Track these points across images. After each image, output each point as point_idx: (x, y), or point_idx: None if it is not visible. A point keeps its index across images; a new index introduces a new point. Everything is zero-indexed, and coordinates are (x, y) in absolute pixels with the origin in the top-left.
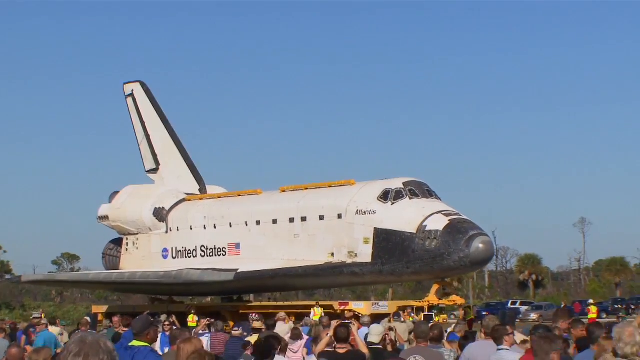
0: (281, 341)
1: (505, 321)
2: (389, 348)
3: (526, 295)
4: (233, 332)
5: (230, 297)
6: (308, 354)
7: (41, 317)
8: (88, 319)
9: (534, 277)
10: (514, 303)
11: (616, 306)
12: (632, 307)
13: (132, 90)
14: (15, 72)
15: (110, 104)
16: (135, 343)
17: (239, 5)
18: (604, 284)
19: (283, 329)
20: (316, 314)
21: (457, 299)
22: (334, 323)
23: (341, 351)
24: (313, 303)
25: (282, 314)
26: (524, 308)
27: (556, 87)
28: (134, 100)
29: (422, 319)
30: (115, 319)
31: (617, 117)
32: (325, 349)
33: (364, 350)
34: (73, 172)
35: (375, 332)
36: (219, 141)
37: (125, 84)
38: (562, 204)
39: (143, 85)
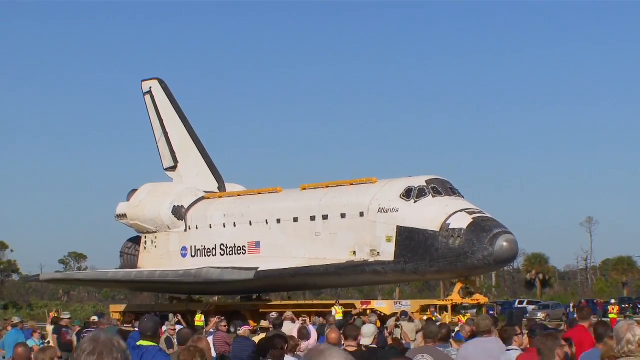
0: (288, 340)
1: (513, 321)
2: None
3: (533, 295)
4: (238, 331)
5: (249, 296)
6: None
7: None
8: (96, 318)
9: (540, 276)
10: (521, 302)
11: (623, 305)
12: (639, 306)
13: (150, 88)
14: (29, 69)
15: (127, 102)
16: (143, 342)
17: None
18: (611, 283)
19: (290, 328)
20: (337, 312)
21: (480, 298)
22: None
23: (351, 349)
24: (333, 302)
25: (289, 313)
26: (530, 307)
27: (563, 86)
28: (152, 97)
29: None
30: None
31: (623, 116)
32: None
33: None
34: (88, 171)
35: (367, 334)
36: (238, 139)
37: (143, 81)
38: (570, 203)
39: (161, 82)
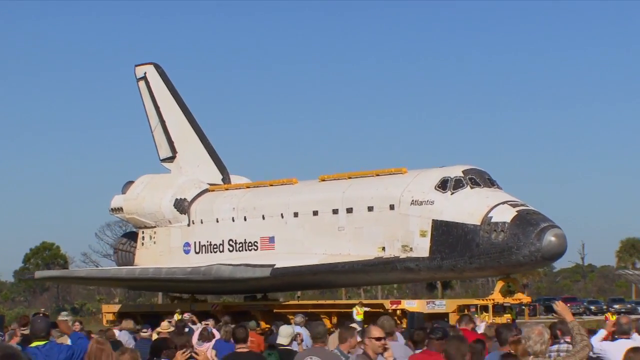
0: (170, 344)
1: (414, 324)
2: (299, 349)
3: (434, 296)
4: (142, 333)
5: (253, 296)
6: (217, 356)
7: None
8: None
9: None
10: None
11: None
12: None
13: (145, 73)
14: (13, 53)
15: (118, 88)
16: (36, 343)
17: None
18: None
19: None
20: (359, 313)
21: (522, 297)
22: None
23: (241, 351)
24: (356, 302)
25: (187, 315)
26: None
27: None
28: (147, 83)
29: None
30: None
31: None
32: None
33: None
34: (75, 162)
35: (284, 334)
36: (241, 128)
37: (137, 66)
38: None
39: (157, 67)
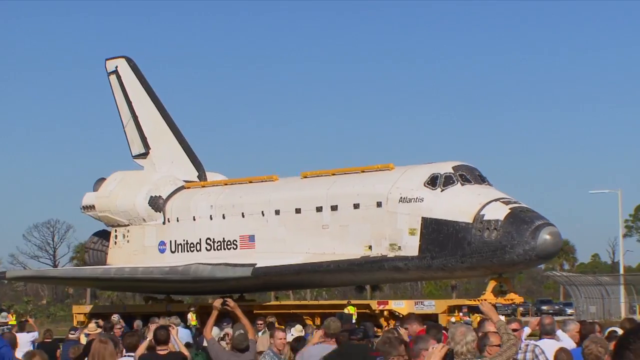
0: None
1: (343, 322)
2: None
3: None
4: (70, 335)
5: (230, 296)
6: None
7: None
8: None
9: None
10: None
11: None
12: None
13: (116, 67)
14: None
15: (87, 82)
16: None
17: None
18: (440, 286)
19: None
20: (350, 313)
21: (515, 297)
22: (152, 326)
23: (161, 353)
24: (344, 302)
25: (116, 316)
26: None
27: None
28: (119, 77)
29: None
30: None
31: None
32: (145, 352)
33: (184, 351)
34: (42, 158)
35: (213, 334)
36: (216, 124)
37: (107, 60)
38: None
39: (129, 61)
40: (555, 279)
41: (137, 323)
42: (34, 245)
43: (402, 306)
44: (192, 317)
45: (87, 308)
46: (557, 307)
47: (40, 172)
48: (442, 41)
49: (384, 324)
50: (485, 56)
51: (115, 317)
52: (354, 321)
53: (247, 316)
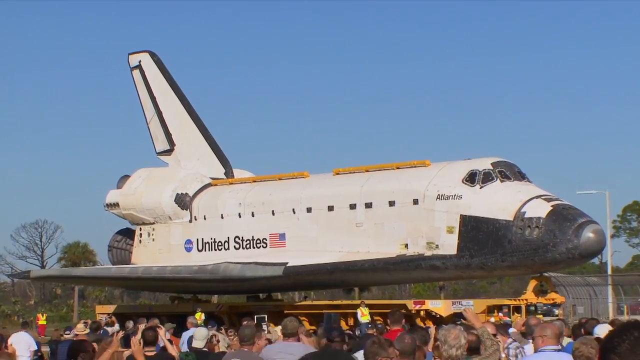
0: (87, 347)
1: (330, 325)
2: (216, 350)
3: (352, 298)
4: (65, 334)
5: (257, 296)
6: None
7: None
8: None
9: None
10: None
11: None
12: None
13: (140, 62)
14: (5, 47)
15: (109, 78)
16: None
17: None
18: (427, 286)
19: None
20: (363, 314)
21: (556, 297)
22: (140, 327)
23: (149, 354)
24: (358, 302)
25: (102, 318)
26: None
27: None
28: (142, 72)
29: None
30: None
31: None
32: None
33: (172, 352)
34: (64, 155)
35: (199, 337)
36: (243, 120)
37: (130, 54)
38: None
39: (153, 55)
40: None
41: (128, 323)
42: (21, 245)
43: (439, 306)
44: (199, 317)
45: (111, 308)
46: (545, 307)
47: (32, 171)
48: (468, 39)
49: (421, 324)
50: (480, 57)
51: (103, 318)
52: (366, 321)
53: (277, 316)
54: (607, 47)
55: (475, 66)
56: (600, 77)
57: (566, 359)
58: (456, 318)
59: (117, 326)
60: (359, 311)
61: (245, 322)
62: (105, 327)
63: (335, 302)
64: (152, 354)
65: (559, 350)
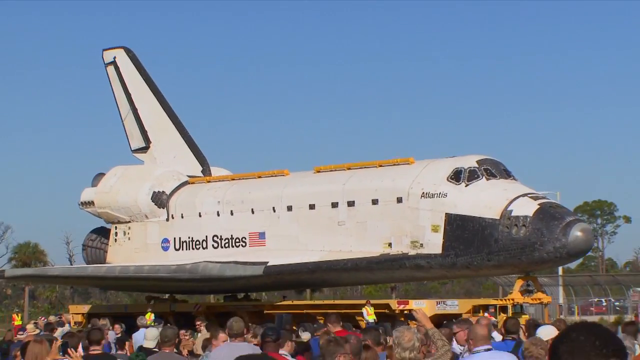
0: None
1: (282, 325)
2: (184, 353)
3: (303, 298)
4: (19, 335)
5: (234, 296)
6: None
7: None
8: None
9: None
10: None
11: None
12: None
13: (115, 58)
14: None
15: (81, 74)
16: None
17: None
18: (380, 287)
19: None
20: (369, 313)
21: (542, 297)
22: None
23: (94, 353)
24: (363, 302)
25: (52, 317)
26: None
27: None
28: (117, 68)
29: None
30: None
31: None
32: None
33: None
34: (35, 153)
35: (151, 337)
36: (219, 117)
37: (105, 50)
38: None
39: (128, 51)
40: (494, 280)
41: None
42: None
43: (423, 306)
44: (148, 317)
45: (85, 308)
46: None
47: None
48: (451, 36)
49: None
50: (502, 51)
51: (53, 317)
52: (371, 321)
53: (257, 316)
54: (567, 49)
55: (457, 63)
56: (553, 77)
57: (498, 357)
58: (408, 319)
59: (67, 326)
60: (364, 310)
61: (168, 324)
62: (56, 327)
63: (325, 302)
64: (97, 352)
65: (489, 350)
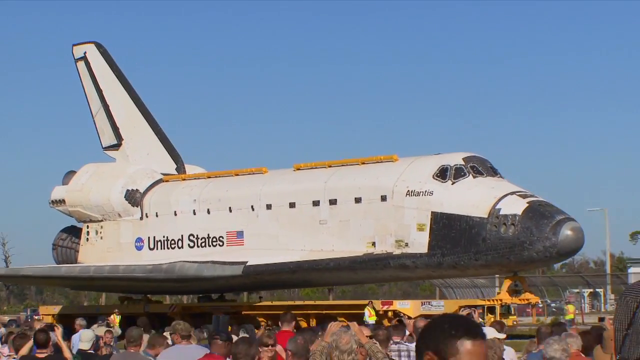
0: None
1: (219, 327)
2: (103, 352)
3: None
4: None
5: (208, 296)
6: None
7: None
8: None
9: None
10: None
11: None
12: None
13: (85, 53)
14: None
15: (49, 69)
16: None
17: None
18: (316, 288)
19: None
20: (371, 314)
21: (531, 297)
22: (37, 325)
23: (41, 356)
24: (365, 302)
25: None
26: None
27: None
28: (87, 64)
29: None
30: None
31: None
32: (25, 354)
33: (67, 355)
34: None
35: (85, 339)
36: (193, 114)
37: (75, 45)
38: None
39: (99, 46)
40: (431, 281)
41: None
42: None
43: (407, 306)
44: (114, 319)
45: (56, 309)
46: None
47: None
48: (440, 34)
49: (387, 324)
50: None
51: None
52: (371, 322)
53: (236, 317)
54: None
55: (441, 59)
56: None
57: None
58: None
59: (3, 329)
60: (366, 311)
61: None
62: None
63: (306, 303)
64: (44, 355)
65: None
